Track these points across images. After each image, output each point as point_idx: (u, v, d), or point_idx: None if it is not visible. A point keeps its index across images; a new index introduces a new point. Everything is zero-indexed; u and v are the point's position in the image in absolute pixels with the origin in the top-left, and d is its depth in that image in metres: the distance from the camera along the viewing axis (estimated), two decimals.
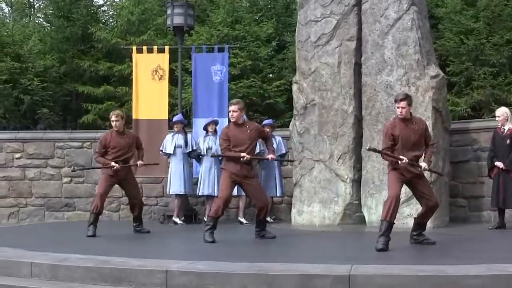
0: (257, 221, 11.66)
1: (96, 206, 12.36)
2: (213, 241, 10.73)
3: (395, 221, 9.95)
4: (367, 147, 10.96)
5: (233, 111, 11.30)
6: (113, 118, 12.56)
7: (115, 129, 12.55)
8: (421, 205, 10.51)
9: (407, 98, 10.12)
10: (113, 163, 12.40)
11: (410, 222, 13.30)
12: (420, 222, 10.55)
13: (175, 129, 15.35)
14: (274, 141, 15.49)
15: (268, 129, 15.61)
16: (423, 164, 10.15)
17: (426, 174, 13.12)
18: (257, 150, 15.22)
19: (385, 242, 9.58)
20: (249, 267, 7.86)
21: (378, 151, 10.17)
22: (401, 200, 13.36)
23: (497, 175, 13.26)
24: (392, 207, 9.77)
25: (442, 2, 18.59)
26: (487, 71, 16.88)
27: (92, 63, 20.45)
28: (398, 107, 10.08)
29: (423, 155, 10.31)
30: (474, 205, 14.95)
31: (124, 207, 17.27)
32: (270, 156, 11.80)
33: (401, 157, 9.86)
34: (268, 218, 15.30)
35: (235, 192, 14.65)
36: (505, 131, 13.25)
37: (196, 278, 7.65)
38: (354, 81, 14.32)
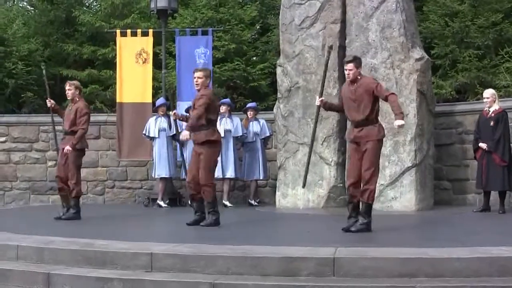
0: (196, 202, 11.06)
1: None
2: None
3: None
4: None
5: (198, 77, 10.75)
6: (66, 86, 12.39)
7: (68, 98, 12.44)
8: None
9: (355, 60, 9.90)
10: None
11: (395, 205, 13.49)
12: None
13: (160, 113, 15.33)
14: (258, 124, 15.56)
15: (251, 112, 15.67)
16: (396, 122, 9.57)
17: (408, 155, 13.23)
18: (240, 133, 15.32)
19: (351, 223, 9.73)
20: (234, 250, 7.89)
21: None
22: (385, 183, 13.53)
23: (481, 156, 13.27)
24: (349, 189, 9.83)
25: None
26: (472, 54, 16.88)
27: (76, 47, 20.34)
28: (345, 70, 9.89)
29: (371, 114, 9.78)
30: (459, 188, 15.01)
31: (109, 190, 17.29)
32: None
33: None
34: (252, 201, 15.41)
35: (220, 175, 14.74)
36: (490, 112, 13.25)
37: (180, 261, 7.68)
38: (339, 64, 14.30)
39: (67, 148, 11.92)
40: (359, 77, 9.86)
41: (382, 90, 9.84)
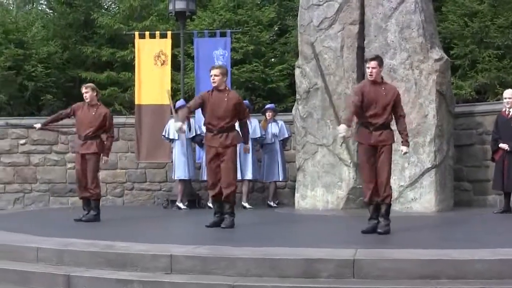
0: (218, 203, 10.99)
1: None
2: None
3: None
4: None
5: (215, 75, 10.63)
6: (83, 90, 12.36)
7: (86, 101, 12.30)
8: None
9: (377, 58, 9.84)
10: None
11: (415, 207, 13.43)
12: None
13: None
14: (276, 125, 15.53)
15: (269, 114, 15.63)
16: (403, 148, 9.86)
17: (428, 156, 13.18)
18: (258, 135, 15.29)
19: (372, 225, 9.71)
20: (253, 251, 7.88)
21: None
22: (405, 184, 13.48)
23: (501, 158, 13.20)
24: (369, 192, 9.68)
25: None
26: (492, 54, 16.79)
27: (94, 49, 20.40)
28: (368, 68, 9.74)
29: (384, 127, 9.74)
30: (479, 189, 14.92)
31: (128, 192, 17.32)
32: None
33: (340, 127, 9.54)
34: (271, 203, 15.39)
35: (239, 176, 14.70)
36: (511, 113, 13.17)
37: (200, 262, 7.68)
38: (357, 65, 14.25)
39: (106, 158, 12.40)
40: (383, 80, 9.84)
41: (402, 107, 9.95)
